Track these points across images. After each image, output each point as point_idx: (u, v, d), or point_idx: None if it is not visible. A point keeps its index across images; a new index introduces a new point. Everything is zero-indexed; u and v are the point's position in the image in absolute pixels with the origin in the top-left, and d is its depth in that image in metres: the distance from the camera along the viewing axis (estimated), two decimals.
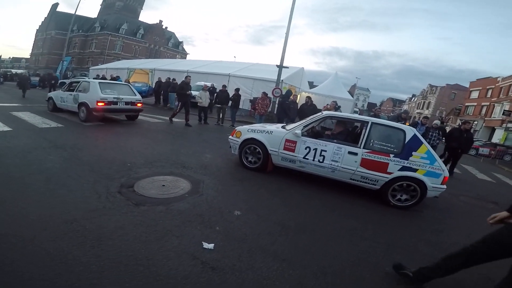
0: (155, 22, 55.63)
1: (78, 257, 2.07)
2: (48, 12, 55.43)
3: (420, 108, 56.92)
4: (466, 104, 39.13)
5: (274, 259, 2.41)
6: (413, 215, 4.03)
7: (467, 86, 41.15)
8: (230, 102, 10.39)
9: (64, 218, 2.59)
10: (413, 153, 3.99)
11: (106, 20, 50.93)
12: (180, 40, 61.78)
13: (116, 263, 2.06)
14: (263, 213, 3.28)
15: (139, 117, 9.35)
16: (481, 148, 19.91)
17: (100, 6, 58.04)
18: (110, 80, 13.69)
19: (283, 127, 4.94)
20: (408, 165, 3.97)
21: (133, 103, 8.53)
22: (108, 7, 55.62)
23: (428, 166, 3.96)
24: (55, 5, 54.01)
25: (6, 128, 5.84)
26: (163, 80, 14.65)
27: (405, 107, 70.55)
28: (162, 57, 45.87)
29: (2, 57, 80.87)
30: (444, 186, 4.05)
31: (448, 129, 12.84)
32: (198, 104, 9.95)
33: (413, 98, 68.68)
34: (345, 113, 5.22)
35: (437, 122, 8.66)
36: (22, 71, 41.01)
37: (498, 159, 17.99)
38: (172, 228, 2.68)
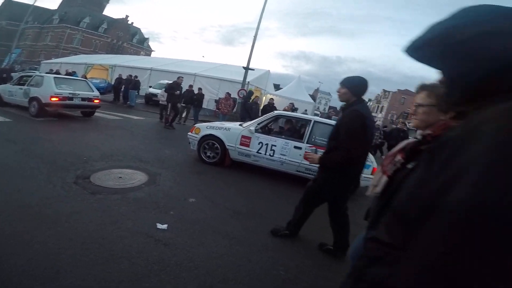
0: (121, 17, 53.11)
1: (35, 237, 2.20)
2: (1, 1, 50.48)
3: (375, 112, 61.37)
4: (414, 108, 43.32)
5: (224, 238, 2.71)
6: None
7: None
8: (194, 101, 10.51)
9: (19, 204, 2.67)
10: None
11: (67, 13, 47.59)
12: (146, 37, 59.59)
13: (73, 242, 2.23)
14: (217, 201, 3.59)
15: (96, 114, 9.06)
16: None
17: None
18: (65, 75, 12.96)
19: (240, 125, 5.29)
20: None
21: (90, 99, 8.34)
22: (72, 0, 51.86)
23: None
24: None
25: None
26: (124, 77, 14.20)
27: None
28: (125, 53, 43.65)
29: None
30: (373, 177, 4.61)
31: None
32: (160, 103, 9.95)
33: (369, 102, 73.64)
34: (293, 113, 5.79)
35: (378, 123, 9.81)
36: None
37: None
38: (127, 213, 2.87)
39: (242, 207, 3.50)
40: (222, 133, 5.03)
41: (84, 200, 3.00)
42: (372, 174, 4.43)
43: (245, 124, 5.14)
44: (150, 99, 15.46)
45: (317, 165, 4.14)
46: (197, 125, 5.42)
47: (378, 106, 61.51)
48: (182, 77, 9.66)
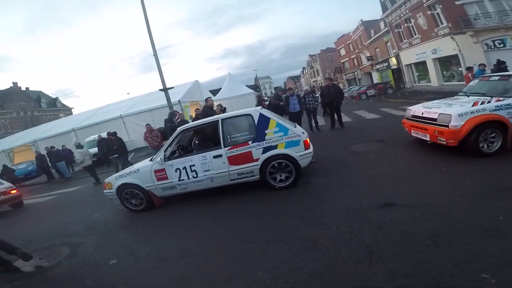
0: (9, 87, 44.84)
1: None
2: None
3: (313, 76, 64.18)
4: (341, 61, 46.08)
5: None
6: (299, 190, 4.13)
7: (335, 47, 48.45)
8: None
9: None
10: (266, 131, 4.16)
11: None
12: (53, 97, 52.96)
13: None
14: (141, 254, 3.34)
15: (28, 201, 8.44)
16: (368, 91, 23.58)
17: None
18: None
19: (150, 159, 4.91)
20: (267, 144, 4.13)
21: (4, 193, 7.57)
22: None
23: (285, 138, 4.11)
24: None
25: None
26: (42, 151, 12.89)
27: (302, 79, 78.28)
28: (41, 122, 38.93)
29: None
30: (310, 150, 4.20)
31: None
32: (83, 166, 9.09)
33: (304, 70, 76.76)
34: (196, 122, 5.32)
35: (307, 88, 10.04)
36: None
37: (383, 95, 21.67)
38: None
39: (171, 251, 3.25)
40: (134, 178, 4.66)
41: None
42: (307, 148, 4.20)
43: (154, 157, 4.78)
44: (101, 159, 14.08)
45: (250, 165, 4.12)
46: (106, 180, 4.99)
47: (312, 71, 64.31)
48: (211, 98, 8.62)
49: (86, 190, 8.43)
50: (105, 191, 4.99)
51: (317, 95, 10.77)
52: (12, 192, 7.72)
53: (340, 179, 4.26)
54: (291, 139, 4.14)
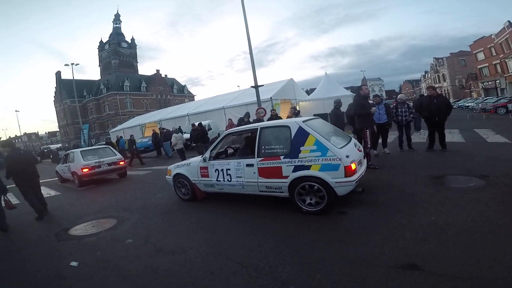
0: (153, 73, 58.01)
1: None
2: (55, 81, 56.57)
3: (437, 82, 54.10)
4: (478, 66, 36.98)
5: (117, 276, 2.92)
6: (326, 221, 3.50)
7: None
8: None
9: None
10: (301, 148, 3.67)
11: (109, 80, 52.79)
12: (182, 84, 64.34)
13: None
14: (151, 240, 3.70)
15: (131, 172, 10.40)
16: (511, 104, 18.17)
17: (99, 68, 61.34)
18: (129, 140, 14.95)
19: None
20: (299, 163, 3.65)
21: (115, 163, 9.47)
22: (107, 67, 58.31)
23: (321, 159, 3.52)
24: (58, 73, 54.93)
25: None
26: (157, 131, 15.71)
27: (422, 85, 67.23)
28: (171, 104, 47.60)
29: (39, 133, 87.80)
30: (353, 178, 3.46)
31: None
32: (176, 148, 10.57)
33: (426, 74, 65.41)
34: (242, 127, 5.23)
35: (401, 96, 8.38)
36: (58, 145, 45.46)
37: None
38: (67, 255, 3.59)
39: (171, 244, 3.49)
40: (185, 170, 5.10)
41: (50, 245, 4.06)
42: (349, 176, 3.44)
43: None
44: (186, 145, 16.54)
45: (278, 181, 3.82)
46: (169, 166, 5.61)
47: (437, 75, 54.21)
48: (366, 86, 6.81)
49: None
50: (166, 176, 5.65)
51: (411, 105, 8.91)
52: (120, 163, 9.63)
53: (384, 219, 3.33)
54: (329, 162, 3.50)
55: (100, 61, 61.58)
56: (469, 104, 27.44)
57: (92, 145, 23.84)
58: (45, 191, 8.37)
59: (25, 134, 76.09)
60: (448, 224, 2.97)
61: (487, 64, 34.82)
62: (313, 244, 2.96)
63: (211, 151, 4.77)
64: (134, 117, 38.96)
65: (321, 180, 3.55)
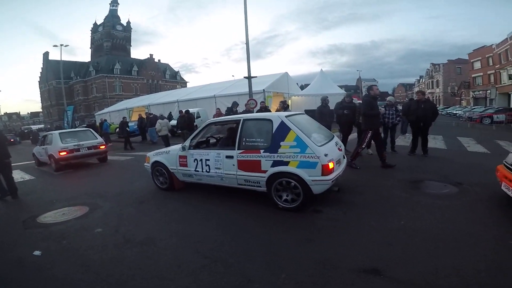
0: (146, 57, 57.15)
1: None
2: (42, 62, 55.55)
3: (430, 87, 55.13)
4: (473, 75, 37.69)
5: (80, 266, 2.82)
6: (301, 218, 3.45)
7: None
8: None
9: None
10: (281, 143, 3.60)
11: (99, 63, 51.88)
12: (176, 70, 63.60)
13: None
14: (122, 230, 3.59)
15: (112, 157, 10.06)
16: (496, 115, 18.60)
17: (90, 50, 59.88)
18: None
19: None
20: (278, 158, 3.59)
21: (95, 147, 9.06)
22: (98, 49, 56.91)
23: (300, 156, 3.46)
24: (46, 54, 53.78)
25: None
26: (143, 116, 15.37)
27: (415, 89, 68.44)
28: (162, 90, 47.05)
29: (21, 113, 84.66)
30: (329, 177, 3.41)
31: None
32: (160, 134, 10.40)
33: (421, 79, 66.52)
34: (224, 117, 5.14)
35: (390, 98, 8.38)
36: (39, 126, 44.13)
37: None
38: (35, 242, 3.46)
39: (142, 235, 3.39)
40: (164, 158, 4.97)
41: (15, 233, 3.85)
42: (325, 174, 3.38)
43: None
44: (173, 132, 16.28)
45: (256, 175, 3.77)
46: (148, 154, 5.46)
47: (431, 81, 55.20)
48: (376, 86, 6.29)
49: None
50: (145, 164, 5.51)
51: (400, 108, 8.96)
52: (101, 147, 9.14)
53: (356, 220, 3.36)
54: (307, 159, 3.45)
55: (92, 43, 59.91)
56: (457, 112, 28.10)
57: (76, 127, 23.18)
58: (19, 175, 8.11)
59: (5, 114, 74.79)
60: (415, 229, 3.00)
61: (481, 74, 35.31)
62: (284, 242, 2.93)
63: (191, 140, 4.64)
64: (123, 100, 38.07)
65: (298, 177, 3.50)
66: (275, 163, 3.64)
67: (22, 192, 5.94)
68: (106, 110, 32.44)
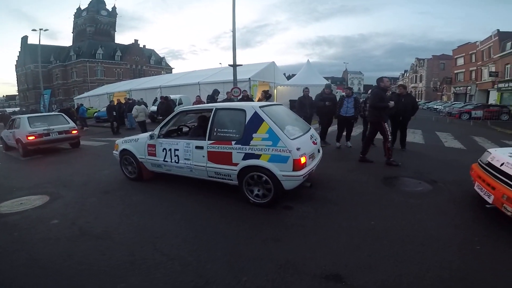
0: (131, 42, 55.50)
1: None
2: (20, 46, 53.49)
3: (414, 82, 56.22)
4: (455, 71, 38.59)
5: (28, 259, 2.64)
6: (271, 215, 3.32)
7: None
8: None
9: None
10: (254, 135, 3.41)
11: (80, 47, 50.31)
12: (161, 56, 62.15)
13: None
14: (79, 222, 3.39)
15: (85, 142, 9.63)
16: (474, 111, 18.98)
17: (72, 34, 57.59)
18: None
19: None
20: (250, 151, 3.40)
21: (67, 132, 8.63)
22: (80, 34, 54.78)
23: (271, 149, 3.28)
24: (25, 38, 52.02)
25: None
26: (122, 101, 14.77)
27: (399, 83, 69.86)
28: (146, 75, 45.68)
29: None
30: (300, 173, 3.25)
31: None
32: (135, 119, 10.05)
33: (405, 73, 67.67)
34: (197, 106, 4.89)
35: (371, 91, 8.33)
36: (14, 109, 42.18)
37: (493, 120, 16.99)
38: None
39: (99, 228, 3.21)
40: (132, 146, 4.70)
41: None
42: (297, 170, 3.23)
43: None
44: (154, 118, 15.74)
45: (227, 168, 3.58)
46: (117, 141, 5.16)
47: (415, 75, 56.25)
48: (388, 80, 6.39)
49: None
50: (114, 151, 5.20)
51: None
52: (73, 132, 8.78)
53: (325, 219, 3.22)
54: (279, 153, 3.27)
55: (74, 28, 57.28)
56: (438, 106, 28.77)
57: (53, 111, 22.22)
58: None
59: None
60: (385, 230, 2.90)
61: (463, 70, 36.00)
62: (250, 241, 2.79)
63: (160, 128, 4.39)
64: (104, 85, 36.70)
65: (269, 172, 3.34)
66: (247, 156, 3.46)
67: None
68: (85, 94, 31.22)
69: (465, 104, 24.37)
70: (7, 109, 41.59)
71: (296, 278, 2.17)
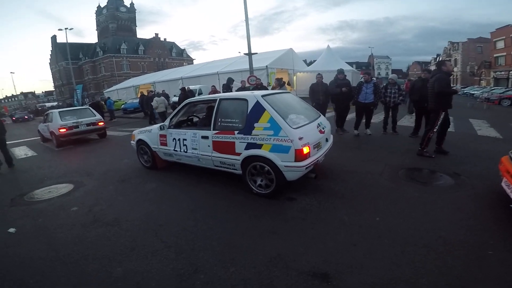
0: (152, 36, 57.95)
1: None
2: (51, 45, 58.18)
3: None
4: (495, 55, 35.40)
5: (45, 244, 2.87)
6: (272, 206, 3.29)
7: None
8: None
9: None
10: (255, 124, 3.37)
11: (105, 44, 53.39)
12: (182, 48, 64.09)
13: None
14: (95, 209, 3.62)
15: (112, 133, 10.28)
16: None
17: (96, 32, 60.98)
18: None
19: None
20: (252, 141, 3.38)
21: (94, 124, 9.30)
22: (104, 31, 57.86)
23: (273, 139, 3.22)
24: (54, 37, 56.13)
25: None
26: (145, 93, 15.36)
27: (431, 67, 65.37)
28: (169, 67, 46.91)
29: (36, 92, 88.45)
30: (303, 163, 3.14)
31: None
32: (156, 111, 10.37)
33: (438, 57, 63.00)
34: (203, 96, 4.92)
35: (393, 76, 7.83)
36: (52, 104, 45.73)
37: None
38: (11, 220, 3.52)
39: (111, 215, 3.39)
40: (146, 136, 4.91)
41: (1, 211, 3.89)
42: (299, 160, 3.15)
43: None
44: (175, 108, 16.20)
45: (231, 157, 3.61)
46: (134, 131, 5.38)
47: (449, 60, 52.35)
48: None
49: None
50: (131, 141, 5.46)
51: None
52: (99, 124, 9.45)
53: (327, 213, 3.08)
54: (280, 142, 3.20)
55: (97, 25, 60.55)
56: (474, 92, 26.61)
57: (85, 104, 23.74)
58: (23, 152, 8.51)
59: (21, 93, 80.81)
60: (388, 228, 2.70)
61: (504, 54, 33.22)
62: (247, 232, 2.80)
63: (170, 119, 4.52)
64: (130, 78, 38.14)
65: (271, 162, 3.30)
66: (249, 146, 3.44)
67: (22, 169, 6.24)
68: (114, 87, 32.77)
69: (507, 89, 22.28)
70: (46, 104, 45.30)
71: (283, 273, 2.14)
